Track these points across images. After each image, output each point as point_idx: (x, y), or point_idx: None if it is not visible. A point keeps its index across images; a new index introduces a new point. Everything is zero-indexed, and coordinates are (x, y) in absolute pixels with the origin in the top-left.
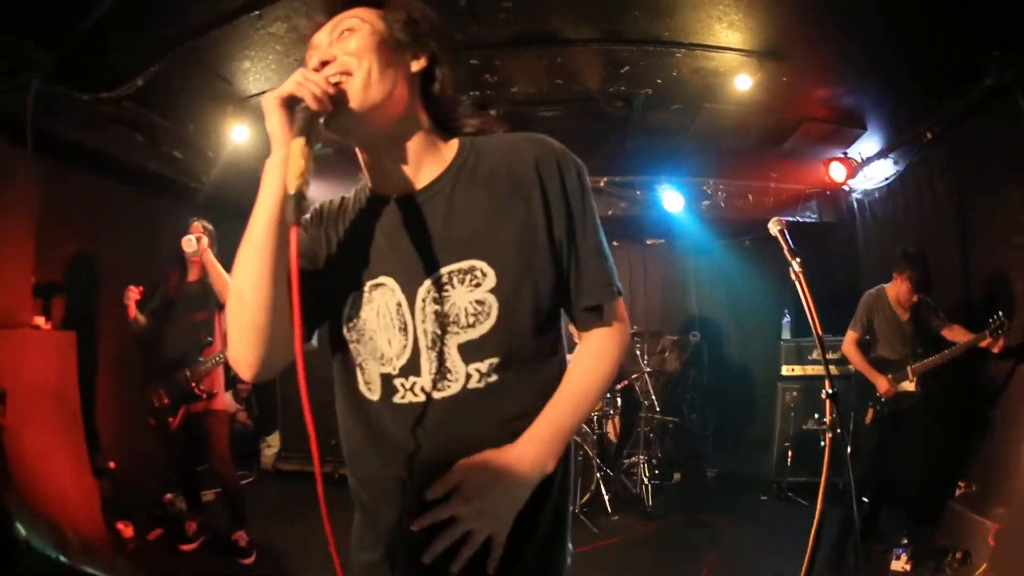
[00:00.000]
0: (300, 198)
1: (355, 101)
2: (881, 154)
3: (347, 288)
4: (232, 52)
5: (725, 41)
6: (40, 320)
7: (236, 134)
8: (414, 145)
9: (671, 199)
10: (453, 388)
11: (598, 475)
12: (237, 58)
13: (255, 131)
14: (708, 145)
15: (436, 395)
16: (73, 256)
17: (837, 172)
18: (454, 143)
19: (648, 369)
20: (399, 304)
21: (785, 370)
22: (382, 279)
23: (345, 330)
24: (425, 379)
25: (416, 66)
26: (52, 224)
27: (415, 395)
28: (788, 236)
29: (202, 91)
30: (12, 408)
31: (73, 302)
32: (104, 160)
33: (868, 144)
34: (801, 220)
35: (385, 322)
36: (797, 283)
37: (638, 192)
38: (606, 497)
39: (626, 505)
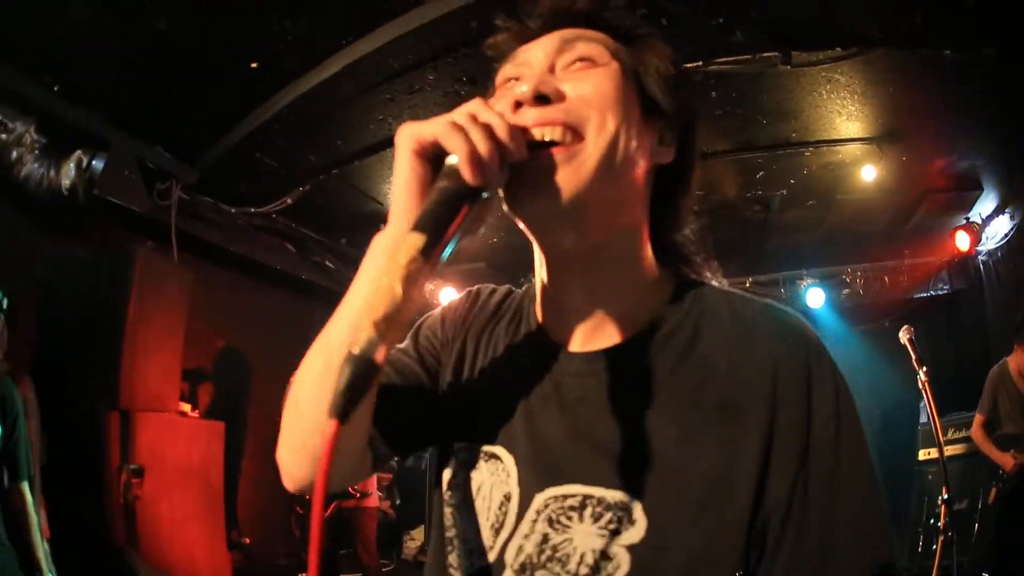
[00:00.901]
0: (367, 366)
1: (573, 182)
2: (998, 210)
3: (459, 436)
4: (382, 175)
5: (847, 132)
6: (186, 407)
7: None
8: (624, 277)
9: (813, 296)
10: None
11: None
12: (387, 181)
13: None
14: (842, 235)
15: None
16: (221, 350)
17: (963, 241)
18: (668, 287)
19: None
20: (506, 497)
21: (922, 454)
22: (501, 452)
23: (445, 487)
24: None
25: (665, 156)
26: (201, 320)
27: None
28: (915, 344)
29: (354, 209)
30: (150, 482)
31: (221, 392)
32: (254, 265)
33: (986, 204)
34: (935, 294)
35: (483, 506)
36: (924, 393)
37: (782, 291)
38: None
39: None
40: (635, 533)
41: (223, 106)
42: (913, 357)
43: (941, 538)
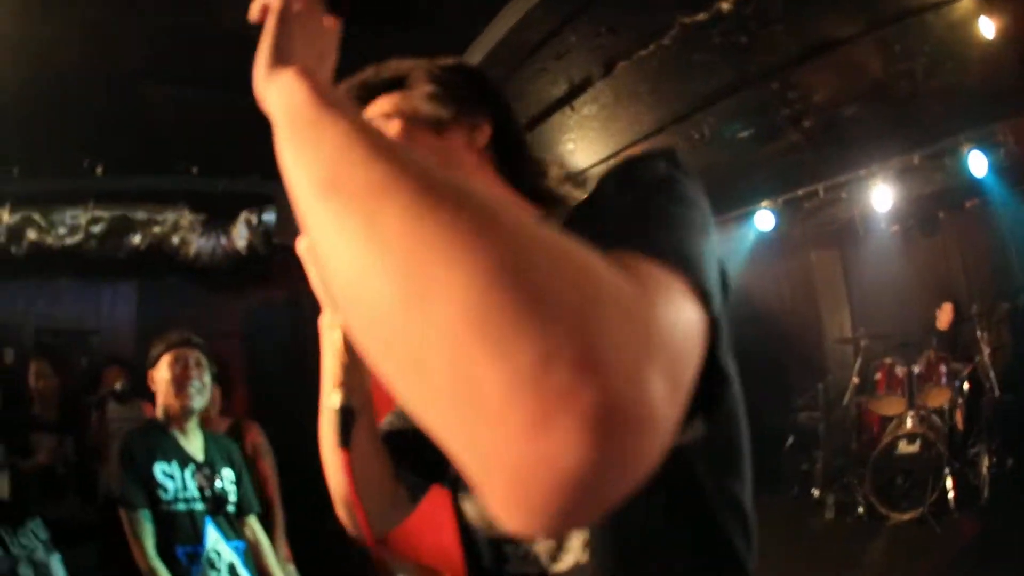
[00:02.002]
0: (348, 414)
1: None
2: None
3: None
4: (554, 139)
5: None
6: None
7: None
8: None
9: (975, 162)
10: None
11: (947, 470)
12: (560, 143)
13: None
14: (983, 94)
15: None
16: None
17: None
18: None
19: (987, 349)
20: None
21: None
22: None
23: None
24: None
25: (481, 138)
26: None
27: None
28: None
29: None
30: None
31: None
32: None
33: None
34: None
35: None
36: None
37: (945, 161)
38: (951, 494)
39: (968, 500)
40: None
41: None
42: None
43: None
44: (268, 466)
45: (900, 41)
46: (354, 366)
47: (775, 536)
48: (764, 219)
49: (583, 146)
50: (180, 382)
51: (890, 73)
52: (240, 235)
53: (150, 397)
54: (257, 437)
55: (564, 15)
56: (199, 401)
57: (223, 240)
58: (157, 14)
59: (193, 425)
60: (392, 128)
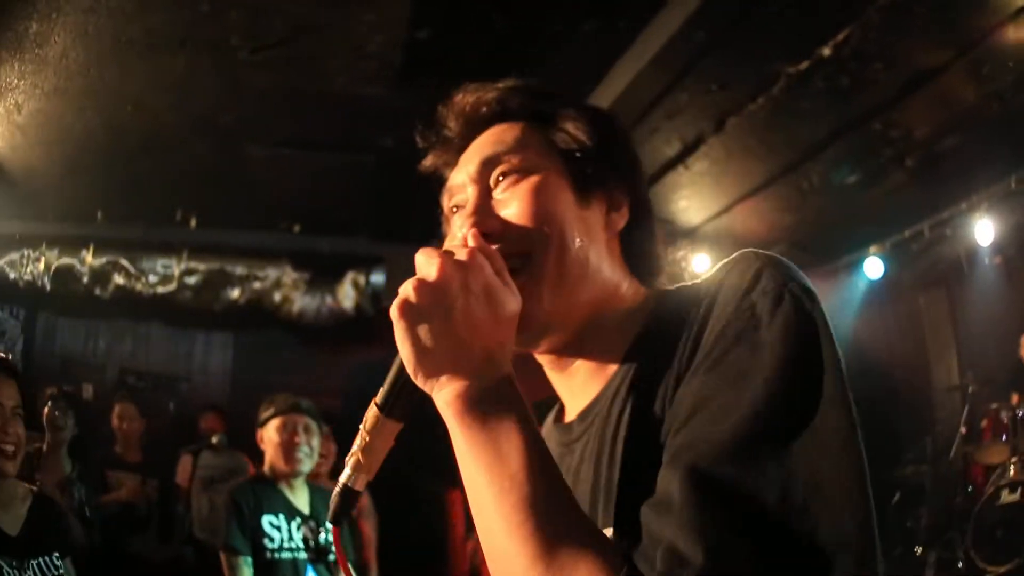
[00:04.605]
0: (349, 496)
1: (539, 304)
2: None
3: None
4: (667, 197)
5: None
6: None
7: (696, 263)
8: (604, 337)
9: None
10: None
11: None
12: (673, 200)
13: (713, 258)
14: None
15: None
16: None
17: None
18: (640, 306)
19: None
20: None
21: None
22: None
23: None
24: None
25: (619, 220)
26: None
27: None
28: None
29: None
30: None
31: None
32: None
33: None
34: None
35: None
36: None
37: None
38: None
39: None
40: None
41: None
42: None
43: None
44: (370, 528)
45: (987, 62)
46: (372, 451)
47: None
48: (873, 266)
49: (695, 203)
50: (288, 448)
51: (980, 96)
52: (347, 295)
53: (244, 447)
54: (362, 499)
55: (674, 74)
56: (307, 465)
57: (328, 300)
58: (263, 72)
59: (300, 482)
60: (535, 184)
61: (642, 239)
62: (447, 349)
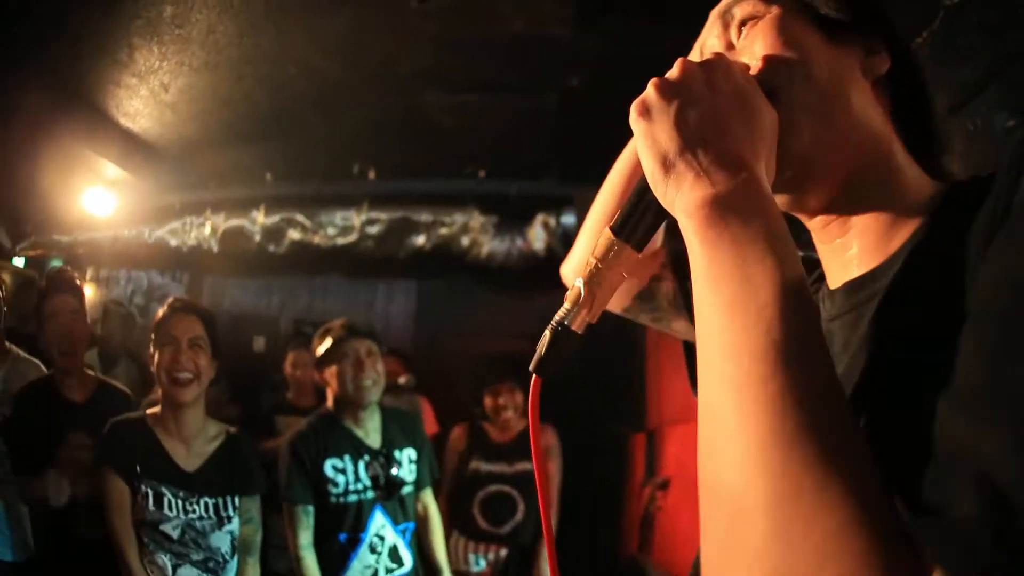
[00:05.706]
0: (563, 339)
1: (787, 150)
2: None
3: None
4: None
5: None
6: None
7: None
8: (877, 202)
9: None
10: None
11: None
12: None
13: None
14: None
15: None
16: None
17: None
18: (928, 191)
19: None
20: None
21: None
22: None
23: None
24: None
25: (880, 65)
26: None
27: None
28: None
29: None
30: (675, 493)
31: None
32: None
33: None
34: None
35: None
36: None
37: None
38: None
39: None
40: None
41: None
42: None
43: None
44: (555, 470)
45: None
46: (602, 283)
47: None
48: None
49: None
50: (354, 379)
51: None
52: (537, 237)
53: (425, 391)
54: (550, 439)
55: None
56: (375, 393)
57: (519, 242)
58: (435, 21)
59: (369, 412)
60: (767, 25)
61: (912, 100)
62: (692, 147)
